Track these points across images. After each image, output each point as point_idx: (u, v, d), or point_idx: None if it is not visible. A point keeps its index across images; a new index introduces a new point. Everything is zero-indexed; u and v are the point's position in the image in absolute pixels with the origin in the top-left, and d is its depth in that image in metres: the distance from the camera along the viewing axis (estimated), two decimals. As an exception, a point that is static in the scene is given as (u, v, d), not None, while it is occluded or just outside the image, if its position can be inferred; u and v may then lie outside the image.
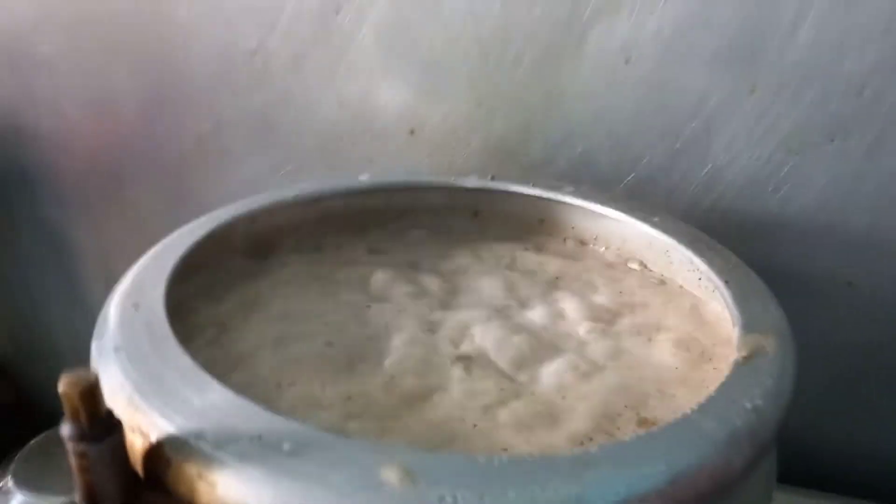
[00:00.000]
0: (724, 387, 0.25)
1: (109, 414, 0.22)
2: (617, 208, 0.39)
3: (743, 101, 0.43)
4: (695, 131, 0.44)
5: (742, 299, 0.30)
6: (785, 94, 0.42)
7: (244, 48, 0.50)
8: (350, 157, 0.50)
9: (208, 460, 0.22)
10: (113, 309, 0.29)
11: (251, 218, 0.38)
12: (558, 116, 0.46)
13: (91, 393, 0.21)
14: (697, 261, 0.34)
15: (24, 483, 0.50)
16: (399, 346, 0.33)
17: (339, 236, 0.41)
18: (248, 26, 0.49)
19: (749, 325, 0.29)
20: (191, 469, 0.22)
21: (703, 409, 0.24)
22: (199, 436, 0.23)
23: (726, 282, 0.32)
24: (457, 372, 0.31)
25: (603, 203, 0.40)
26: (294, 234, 0.40)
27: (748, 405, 0.24)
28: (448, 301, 0.37)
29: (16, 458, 0.53)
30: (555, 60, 0.45)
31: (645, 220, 0.38)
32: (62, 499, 0.48)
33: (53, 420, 0.58)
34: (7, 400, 0.65)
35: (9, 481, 0.50)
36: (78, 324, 0.61)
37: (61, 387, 0.21)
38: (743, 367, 0.26)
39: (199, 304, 0.34)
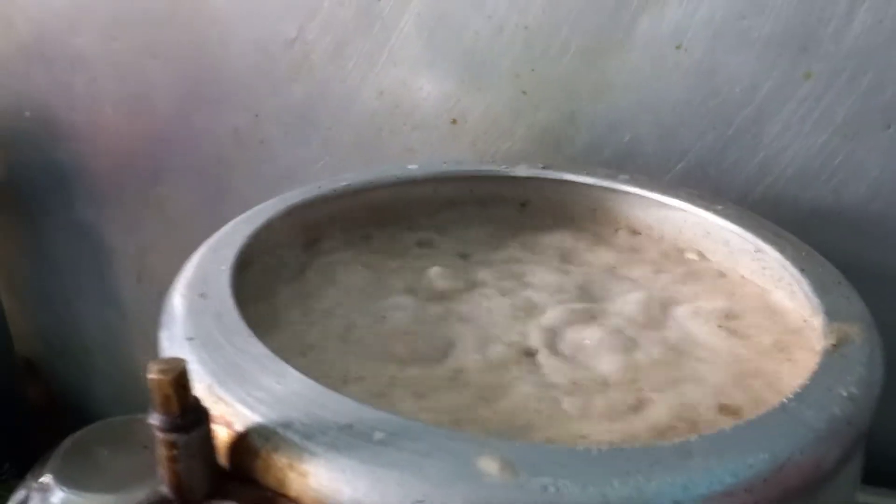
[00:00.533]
0: (818, 375, 0.25)
1: (198, 403, 0.21)
2: (675, 196, 0.38)
3: (796, 87, 0.42)
4: (746, 119, 0.44)
5: (821, 288, 0.30)
6: (839, 81, 0.41)
7: (283, 38, 0.49)
8: (390, 148, 0.50)
9: (299, 450, 0.22)
10: (178, 299, 0.29)
11: (304, 208, 0.37)
12: (605, 105, 0.45)
13: (182, 381, 0.21)
14: (768, 249, 0.33)
15: (66, 480, 0.49)
16: (462, 338, 0.32)
17: (388, 227, 0.41)
18: (288, 15, 0.48)
19: (832, 313, 0.28)
20: (280, 459, 0.22)
21: (800, 397, 0.24)
22: (287, 425, 0.22)
23: (802, 270, 0.31)
24: (525, 363, 0.30)
25: (660, 191, 0.39)
26: (343, 226, 0.40)
27: (844, 393, 0.24)
28: (504, 292, 0.36)
29: (53, 455, 0.52)
30: (602, 48, 0.44)
31: (706, 208, 0.37)
32: (116, 495, 0.48)
33: (85, 418, 0.58)
34: (39, 398, 0.64)
35: (48, 478, 0.50)
36: (110, 321, 0.60)
37: (152, 373, 0.20)
38: (833, 355, 0.26)
39: (258, 295, 0.34)
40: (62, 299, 0.62)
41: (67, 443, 0.54)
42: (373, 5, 0.47)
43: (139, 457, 0.53)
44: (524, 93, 0.46)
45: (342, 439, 0.22)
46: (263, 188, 0.53)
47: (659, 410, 0.28)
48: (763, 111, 0.43)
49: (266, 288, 0.34)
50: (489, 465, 0.21)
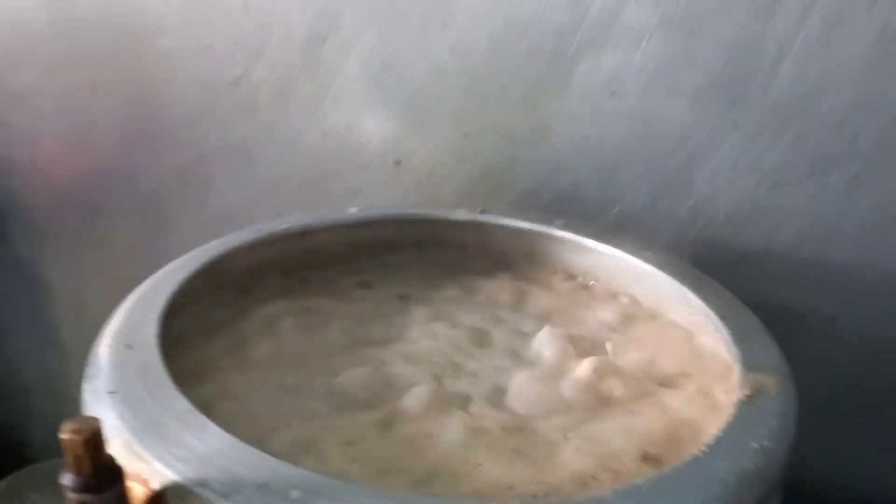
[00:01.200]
0: (731, 427, 0.25)
1: (112, 462, 0.21)
2: (608, 242, 0.39)
3: (726, 136, 0.44)
4: (678, 165, 0.45)
5: (740, 337, 0.31)
6: (767, 131, 0.43)
7: (228, 78, 0.49)
8: (334, 189, 0.50)
9: (215, 510, 0.21)
10: (104, 349, 0.28)
11: (239, 253, 0.37)
12: (545, 149, 0.46)
13: (95, 441, 0.20)
14: (691, 296, 0.34)
15: (-7, 526, 0.48)
16: (394, 384, 0.32)
17: (327, 270, 0.41)
18: (233, 55, 0.49)
19: (749, 363, 0.29)
20: (195, 519, 0.22)
21: (713, 449, 0.24)
22: (203, 483, 0.22)
23: (723, 318, 0.32)
24: (456, 410, 0.31)
25: (594, 237, 0.40)
26: (282, 269, 0.40)
27: (756, 445, 0.24)
28: (438, 336, 0.36)
29: (-17, 499, 0.51)
30: (542, 94, 0.45)
31: (636, 254, 0.38)
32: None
33: (21, 460, 0.56)
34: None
35: (-24, 524, 0.48)
36: (49, 361, 0.59)
37: (64, 433, 0.20)
38: (747, 406, 0.26)
39: (189, 344, 0.33)
40: (-1, 337, 0.60)
41: (1, 486, 0.53)
42: (317, 48, 0.47)
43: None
44: (466, 136, 0.47)
45: (258, 498, 0.22)
46: (206, 227, 0.52)
47: (583, 459, 0.28)
48: (694, 158, 0.44)
49: (197, 336, 0.34)
50: (405, 524, 0.21)
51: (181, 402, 0.25)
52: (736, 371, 0.29)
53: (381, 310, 0.38)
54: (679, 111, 0.44)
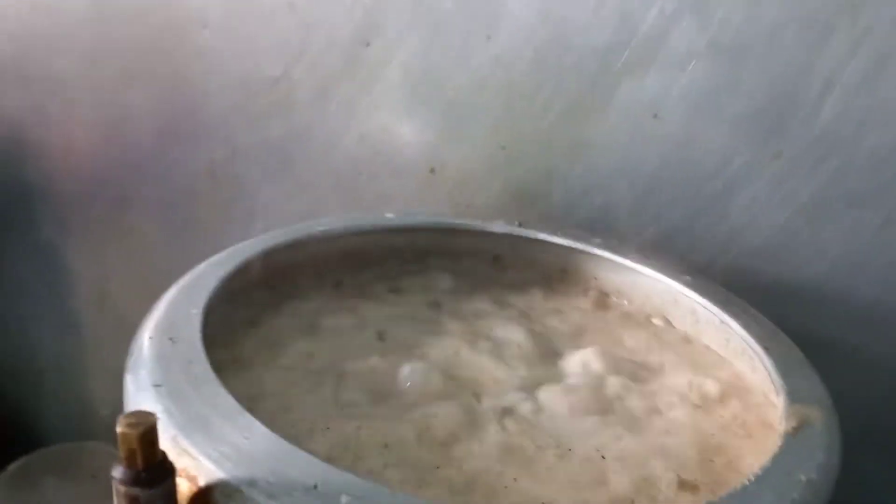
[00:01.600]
0: (778, 458, 0.25)
1: (164, 458, 0.21)
2: (645, 263, 0.39)
3: (765, 165, 0.44)
4: (716, 191, 0.45)
5: (784, 367, 0.30)
6: (806, 163, 0.43)
7: (267, 76, 0.49)
8: (367, 194, 0.50)
9: (263, 511, 0.21)
10: (147, 341, 0.28)
11: (277, 252, 0.37)
12: (582, 166, 0.46)
13: (150, 436, 0.20)
14: (732, 323, 0.34)
15: (5, 509, 0.48)
16: (430, 392, 0.32)
17: (362, 274, 0.41)
18: (274, 54, 0.49)
19: (793, 394, 0.29)
20: (243, 519, 0.21)
21: (760, 480, 0.24)
22: (252, 483, 0.22)
23: (766, 349, 0.32)
24: (493, 424, 0.31)
25: (631, 257, 0.40)
26: (318, 270, 0.40)
27: (803, 478, 0.24)
28: (473, 348, 0.36)
29: (-4, 481, 0.50)
30: (583, 111, 0.45)
31: (674, 277, 0.38)
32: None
33: (33, 443, 0.56)
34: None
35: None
36: (67, 346, 0.59)
37: (120, 427, 0.20)
38: (793, 438, 0.26)
39: (228, 340, 0.33)
40: (17, 320, 0.60)
41: (13, 468, 0.52)
42: (360, 52, 0.47)
43: (86, 486, 0.51)
44: (503, 148, 0.47)
45: (307, 501, 0.21)
46: (234, 225, 0.52)
47: (620, 482, 0.28)
48: (732, 185, 0.44)
49: (236, 333, 0.34)
50: (454, 536, 0.21)
51: (227, 399, 0.25)
52: (778, 401, 0.29)
53: (412, 316, 0.38)
54: (720, 137, 0.44)
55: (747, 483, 0.24)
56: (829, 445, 0.26)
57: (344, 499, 0.22)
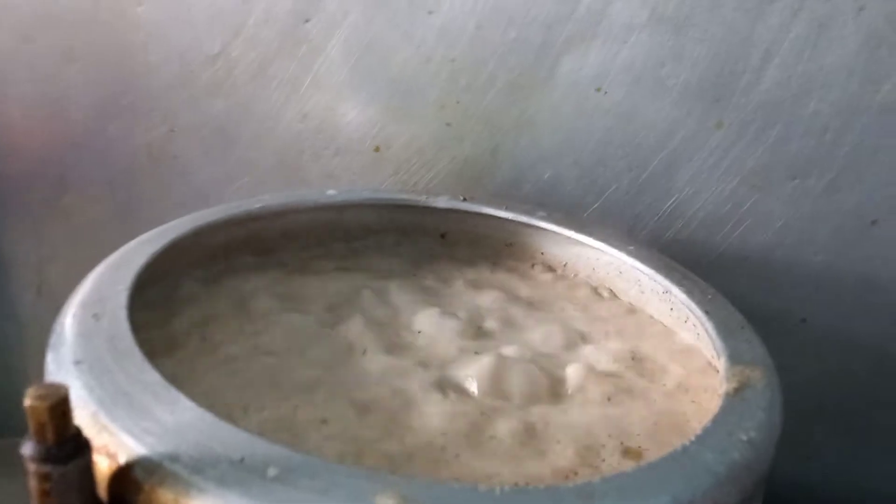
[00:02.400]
0: (718, 419, 0.25)
1: (78, 433, 0.20)
2: (590, 235, 0.39)
3: (708, 136, 0.44)
4: (661, 163, 0.45)
5: (725, 331, 0.30)
6: (749, 132, 0.43)
7: (206, 53, 0.48)
8: (311, 173, 0.49)
9: (186, 485, 0.20)
10: (70, 319, 0.27)
11: (213, 230, 0.36)
12: (527, 141, 0.46)
13: (61, 408, 0.19)
14: (676, 290, 0.34)
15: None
16: (370, 367, 0.31)
17: (304, 252, 0.40)
18: (212, 29, 0.47)
19: (734, 357, 0.29)
20: (165, 495, 0.20)
21: (701, 440, 0.24)
22: (175, 458, 0.21)
23: (707, 312, 0.32)
24: (433, 396, 0.30)
25: (576, 229, 0.39)
26: (256, 249, 0.39)
27: (744, 437, 0.24)
28: (417, 322, 0.35)
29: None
30: (527, 86, 0.45)
31: (619, 248, 0.38)
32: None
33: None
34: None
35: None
36: (5, 337, 0.56)
37: (28, 400, 0.19)
38: (733, 398, 0.26)
39: (158, 318, 0.32)
40: (-50, 311, 0.58)
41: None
42: (299, 27, 0.46)
43: (23, 484, 0.49)
44: (448, 125, 0.46)
45: (233, 474, 0.21)
46: (175, 205, 0.51)
47: (564, 452, 0.27)
48: (676, 157, 0.44)
49: (166, 312, 0.33)
50: (387, 504, 0.20)
51: (151, 375, 0.24)
52: (721, 365, 0.29)
53: (358, 294, 0.37)
54: (663, 109, 0.44)
55: (687, 444, 0.24)
56: (769, 405, 0.26)
57: (271, 471, 0.21)
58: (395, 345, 0.33)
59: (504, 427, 0.28)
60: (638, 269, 0.37)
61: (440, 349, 0.33)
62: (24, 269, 0.55)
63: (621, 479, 0.22)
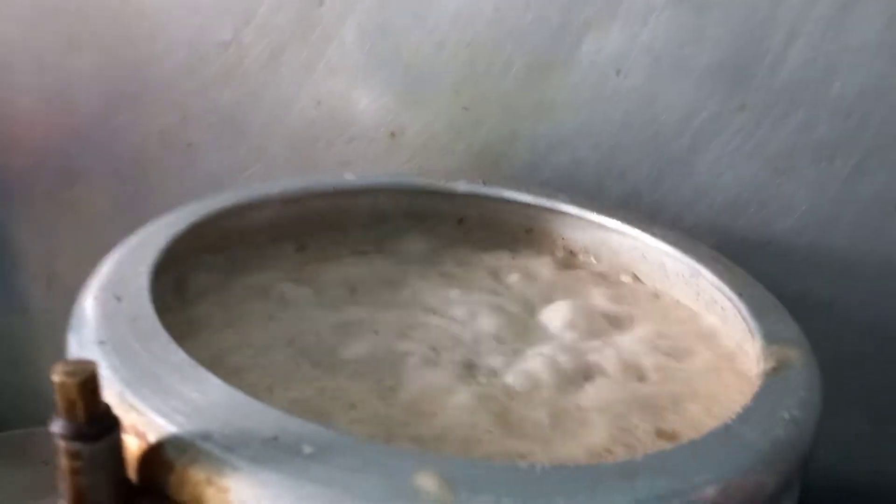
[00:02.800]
0: (759, 398, 0.24)
1: (107, 410, 0.19)
2: (613, 217, 0.38)
3: (731, 119, 0.43)
4: (682, 147, 0.44)
5: (758, 311, 0.30)
6: (773, 115, 0.42)
7: (217, 39, 0.47)
8: (324, 160, 0.48)
9: (219, 464, 0.20)
10: (91, 301, 0.26)
11: (232, 213, 0.35)
12: (546, 125, 0.45)
13: (90, 384, 0.19)
14: (705, 272, 0.33)
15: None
16: (395, 350, 0.31)
17: (321, 237, 0.39)
18: (223, 16, 0.47)
19: (770, 336, 0.28)
20: (197, 474, 0.20)
21: (743, 419, 0.23)
22: (206, 437, 0.20)
23: (739, 294, 0.31)
24: (461, 380, 0.29)
25: (598, 212, 0.39)
26: (274, 233, 0.38)
27: (786, 415, 0.24)
28: (438, 307, 0.35)
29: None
30: (545, 69, 0.44)
31: (644, 230, 0.37)
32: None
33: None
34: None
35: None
36: (14, 328, 0.56)
37: (57, 376, 0.18)
38: (773, 378, 0.25)
39: (178, 300, 0.31)
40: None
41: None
42: (312, 12, 0.45)
43: (38, 474, 0.49)
44: (465, 109, 0.46)
45: (267, 452, 0.20)
46: (186, 194, 0.50)
47: (596, 433, 0.27)
48: (698, 140, 0.44)
49: (187, 295, 0.32)
50: (427, 483, 0.19)
51: (178, 354, 0.24)
52: (752, 349, 0.28)
53: (377, 279, 0.37)
54: (684, 92, 0.43)
55: (729, 423, 0.23)
56: (809, 383, 0.26)
57: (306, 448, 0.20)
58: (418, 329, 0.33)
59: (533, 409, 0.28)
60: (663, 252, 0.36)
61: (464, 333, 0.33)
62: (34, 261, 0.54)
63: (663, 457, 0.22)
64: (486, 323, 0.34)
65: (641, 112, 0.44)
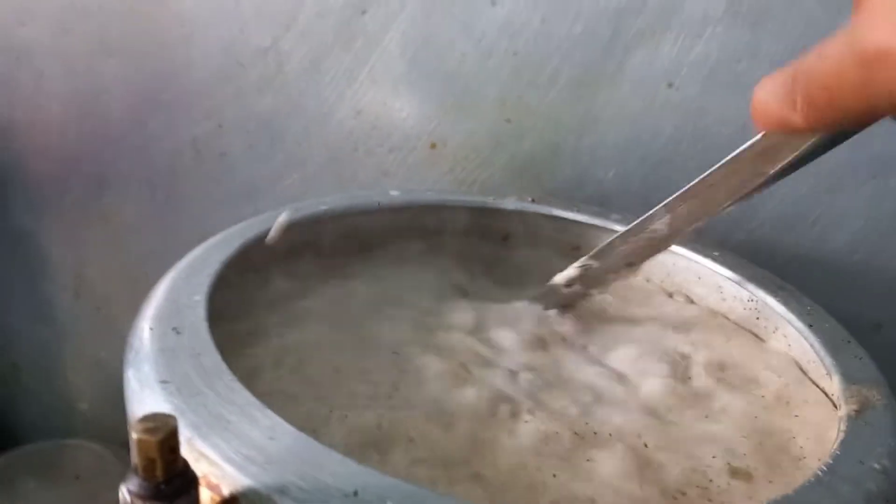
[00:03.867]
0: (846, 445, 0.23)
1: (186, 467, 0.18)
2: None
3: (784, 134, 0.42)
4: (733, 162, 0.43)
5: (831, 346, 0.29)
6: (827, 130, 0.41)
7: (255, 46, 0.46)
8: (364, 170, 0.47)
9: (298, 522, 0.19)
10: (147, 333, 0.25)
11: (282, 230, 0.34)
12: (591, 139, 0.44)
13: (170, 442, 0.18)
14: (770, 300, 0.32)
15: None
16: (454, 382, 0.30)
17: (368, 255, 0.38)
18: (262, 22, 0.46)
19: (847, 375, 0.27)
20: (276, 532, 0.19)
21: (833, 469, 0.22)
22: (283, 491, 0.19)
23: (810, 326, 0.30)
24: (522, 415, 0.28)
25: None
26: (318, 251, 0.37)
27: (876, 466, 0.23)
28: (490, 337, 0.34)
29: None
30: (593, 81, 0.43)
31: (699, 252, 0.36)
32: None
33: (9, 442, 0.52)
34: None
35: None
36: (42, 338, 0.55)
37: (136, 433, 0.17)
38: (856, 421, 0.24)
39: (230, 328, 0.31)
40: (-12, 312, 0.57)
41: (-14, 471, 0.49)
42: (355, 19, 0.44)
43: (69, 488, 0.48)
44: (508, 121, 0.45)
45: (348, 510, 0.19)
46: (220, 205, 0.49)
47: (669, 473, 0.26)
48: (750, 155, 0.42)
49: (237, 319, 0.31)
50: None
51: (243, 395, 0.23)
52: (834, 384, 0.27)
53: (423, 299, 0.36)
54: (737, 106, 0.42)
55: (820, 474, 0.22)
56: (894, 428, 0.25)
57: (389, 506, 0.19)
58: (470, 357, 0.32)
59: (601, 448, 0.27)
60: (720, 275, 0.35)
61: (518, 363, 0.32)
62: (62, 272, 0.53)
63: (758, 513, 0.21)
64: (541, 350, 0.33)
65: (692, 126, 0.43)
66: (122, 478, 0.18)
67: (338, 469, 0.20)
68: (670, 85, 0.42)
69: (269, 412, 0.22)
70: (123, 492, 0.18)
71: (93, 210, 0.51)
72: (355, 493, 0.19)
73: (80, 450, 0.47)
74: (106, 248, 0.52)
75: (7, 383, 0.57)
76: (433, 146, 0.46)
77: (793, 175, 0.42)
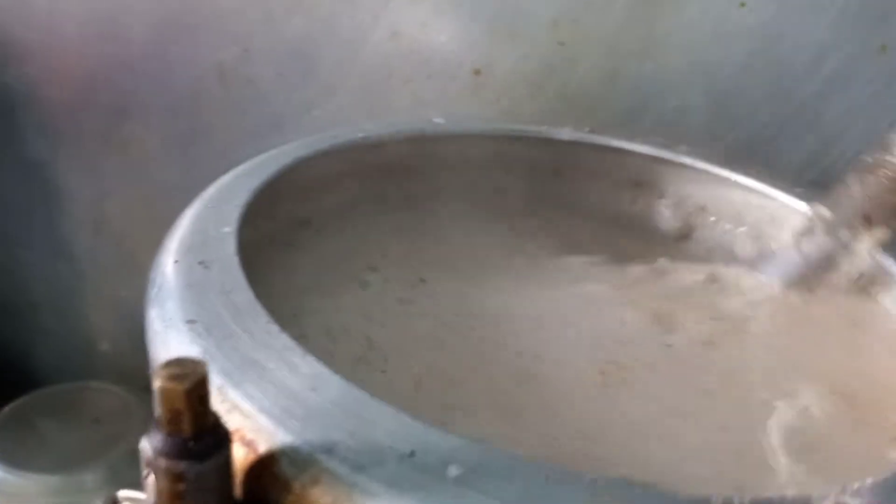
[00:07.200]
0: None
1: (217, 422, 0.16)
2: (744, 174, 0.34)
3: (869, 62, 0.38)
4: (810, 93, 0.39)
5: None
6: (919, 57, 0.37)
7: (284, -38, 0.42)
8: (400, 99, 0.44)
9: (347, 487, 0.16)
10: (172, 267, 0.23)
11: (314, 161, 0.31)
12: (653, 66, 0.40)
13: (199, 392, 0.15)
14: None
15: (3, 456, 0.43)
16: (528, 342, 0.27)
17: (411, 187, 0.35)
18: (292, -65, 0.42)
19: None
20: (321, 497, 0.16)
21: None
22: (329, 450, 0.17)
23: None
24: (613, 381, 0.25)
25: (723, 167, 0.34)
26: (357, 182, 0.34)
27: None
28: (577, 289, 0.31)
29: (-10, 425, 0.45)
30: (656, 1, 0.39)
31: (783, 189, 0.32)
32: (62, 475, 0.41)
33: (27, 383, 0.51)
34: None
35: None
36: (61, 275, 0.53)
37: (160, 380, 0.15)
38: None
39: (264, 264, 0.28)
40: (5, 246, 0.54)
41: (6, 412, 0.48)
42: (393, -70, 0.40)
43: (88, 431, 0.46)
44: (561, 44, 0.41)
45: (406, 474, 0.16)
46: (246, 134, 0.46)
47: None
48: (829, 86, 0.39)
49: (272, 253, 0.28)
50: (606, 519, 0.16)
51: (281, 338, 0.20)
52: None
53: (480, 242, 0.33)
54: (816, 29, 0.38)
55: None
56: None
57: (453, 470, 0.16)
58: (540, 310, 0.29)
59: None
60: (800, 213, 0.32)
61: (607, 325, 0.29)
62: (80, 205, 0.51)
63: None
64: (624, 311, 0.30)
65: (765, 52, 0.39)
66: (144, 423, 0.15)
67: (390, 424, 0.17)
68: (743, 5, 0.38)
69: (311, 358, 0.19)
70: (146, 447, 0.15)
71: (112, 140, 0.48)
72: (412, 454, 0.17)
73: (100, 392, 0.45)
74: (126, 180, 0.49)
75: (25, 323, 0.55)
76: (477, 73, 0.42)
77: (874, 109, 0.38)
